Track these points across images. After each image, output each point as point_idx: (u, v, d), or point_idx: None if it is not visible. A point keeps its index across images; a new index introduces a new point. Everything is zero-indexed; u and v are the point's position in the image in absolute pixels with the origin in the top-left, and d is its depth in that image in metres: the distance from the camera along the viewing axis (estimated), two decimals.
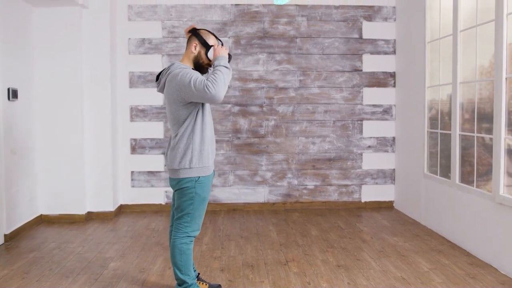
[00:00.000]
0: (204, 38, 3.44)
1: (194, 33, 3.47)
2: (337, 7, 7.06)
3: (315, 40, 7.06)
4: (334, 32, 7.08)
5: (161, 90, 3.49)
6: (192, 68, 3.46)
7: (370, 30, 7.10)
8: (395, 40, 7.10)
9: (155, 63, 6.95)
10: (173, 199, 3.66)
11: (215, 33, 3.63)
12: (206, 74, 3.55)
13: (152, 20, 6.94)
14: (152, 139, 6.99)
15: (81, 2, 6.15)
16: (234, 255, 4.96)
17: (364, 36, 7.11)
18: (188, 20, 6.95)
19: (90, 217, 6.55)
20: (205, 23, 6.92)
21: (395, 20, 7.08)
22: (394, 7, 7.07)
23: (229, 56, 3.44)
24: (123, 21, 6.90)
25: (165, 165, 7.00)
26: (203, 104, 3.40)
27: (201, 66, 3.47)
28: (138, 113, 6.98)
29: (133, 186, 7.01)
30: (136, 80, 6.96)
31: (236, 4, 6.99)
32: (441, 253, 4.99)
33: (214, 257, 4.88)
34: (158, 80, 3.51)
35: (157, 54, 6.95)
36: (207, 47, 3.41)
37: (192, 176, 3.41)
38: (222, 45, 3.50)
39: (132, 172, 7.00)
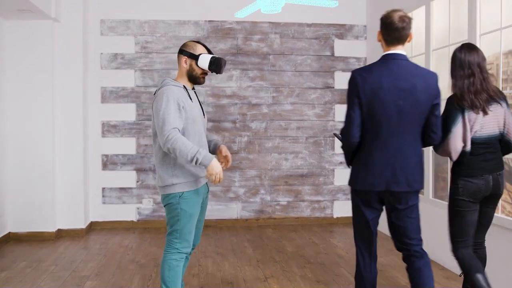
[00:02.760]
0: (190, 50, 3.45)
1: (180, 51, 3.49)
2: (309, 25, 7.17)
3: (288, 57, 7.14)
4: (306, 49, 7.17)
5: None
6: (189, 80, 3.49)
7: (341, 48, 7.23)
8: (366, 58, 7.24)
9: (127, 78, 6.89)
10: None
11: (206, 45, 3.59)
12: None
13: (125, 35, 6.89)
14: (124, 155, 6.90)
15: (54, 16, 6.06)
16: (212, 272, 4.92)
17: (336, 53, 7.22)
18: (162, 36, 6.93)
19: (60, 234, 6.39)
20: (179, 39, 6.90)
21: (366, 38, 7.23)
22: (365, 26, 7.22)
23: (218, 60, 3.42)
24: (95, 36, 6.83)
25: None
26: (186, 119, 3.37)
27: (196, 77, 3.48)
28: (109, 128, 6.89)
29: (104, 203, 6.89)
30: (108, 95, 6.87)
31: (209, 21, 7.01)
32: None
33: (192, 274, 4.83)
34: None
35: (129, 69, 6.90)
36: (195, 57, 3.42)
37: (175, 192, 3.37)
38: (209, 52, 3.49)
39: (103, 188, 6.89)
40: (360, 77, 3.17)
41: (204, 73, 3.48)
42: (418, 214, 3.39)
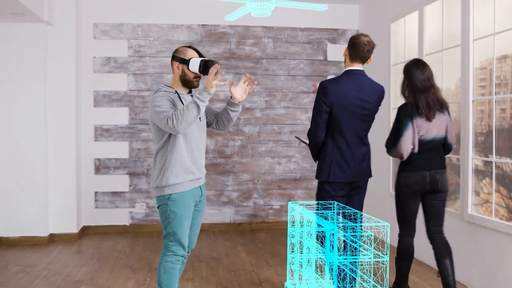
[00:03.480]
0: (181, 56, 3.48)
1: (172, 57, 3.53)
2: (302, 30, 7.19)
3: (281, 61, 7.16)
4: (299, 53, 7.20)
5: None
6: (183, 85, 3.51)
7: (334, 52, 7.26)
8: None
9: (120, 82, 6.88)
10: None
11: (197, 49, 3.61)
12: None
13: (118, 39, 6.88)
14: (116, 159, 6.88)
15: (47, 19, 6.04)
16: (207, 276, 4.91)
17: (329, 58, 7.26)
18: (155, 40, 6.92)
19: (53, 239, 6.35)
20: (172, 43, 6.91)
21: None
22: (357, 30, 7.25)
23: (208, 62, 3.39)
24: (88, 39, 6.81)
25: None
26: None
27: (189, 81, 3.50)
28: (102, 132, 6.86)
29: (96, 207, 6.86)
30: (101, 99, 6.85)
31: (203, 25, 7.01)
32: (410, 271, 5.08)
33: (186, 279, 4.81)
34: None
35: (122, 73, 6.88)
36: (186, 62, 3.44)
37: (163, 194, 3.43)
38: (200, 56, 3.51)
39: (96, 192, 6.85)
40: (331, 88, 3.81)
41: (197, 76, 3.49)
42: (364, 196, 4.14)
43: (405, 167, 4.06)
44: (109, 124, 6.87)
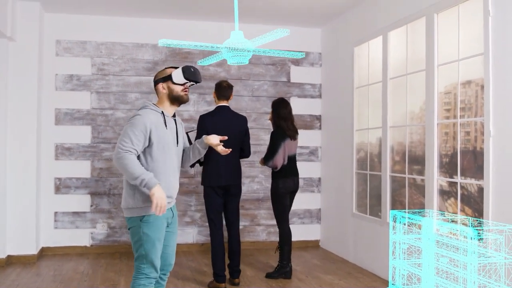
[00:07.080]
0: (163, 75, 3.49)
1: (155, 83, 3.51)
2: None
3: (245, 82, 7.22)
4: (263, 75, 7.29)
5: None
6: (172, 103, 3.50)
7: (297, 74, 7.39)
8: (320, 84, 7.43)
9: (83, 100, 6.77)
10: None
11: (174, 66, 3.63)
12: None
13: (81, 57, 6.79)
14: (78, 179, 6.74)
15: (9, 35, 5.91)
16: None
17: (292, 80, 7.38)
18: (119, 58, 6.87)
19: (11, 261, 6.13)
20: (136, 62, 6.87)
21: (321, 65, 7.43)
22: (320, 53, 7.42)
23: (189, 67, 3.44)
24: (50, 56, 6.69)
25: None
26: (151, 144, 3.36)
27: (178, 96, 3.48)
28: (63, 151, 6.72)
29: (56, 228, 6.68)
30: (63, 117, 6.72)
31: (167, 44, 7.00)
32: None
33: None
34: None
35: (85, 91, 6.78)
36: (169, 77, 3.44)
37: (136, 216, 3.36)
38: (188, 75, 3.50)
39: (56, 212, 6.68)
40: (206, 119, 5.27)
41: (185, 89, 3.48)
42: (239, 200, 5.49)
43: (280, 175, 5.54)
44: (70, 143, 6.74)
